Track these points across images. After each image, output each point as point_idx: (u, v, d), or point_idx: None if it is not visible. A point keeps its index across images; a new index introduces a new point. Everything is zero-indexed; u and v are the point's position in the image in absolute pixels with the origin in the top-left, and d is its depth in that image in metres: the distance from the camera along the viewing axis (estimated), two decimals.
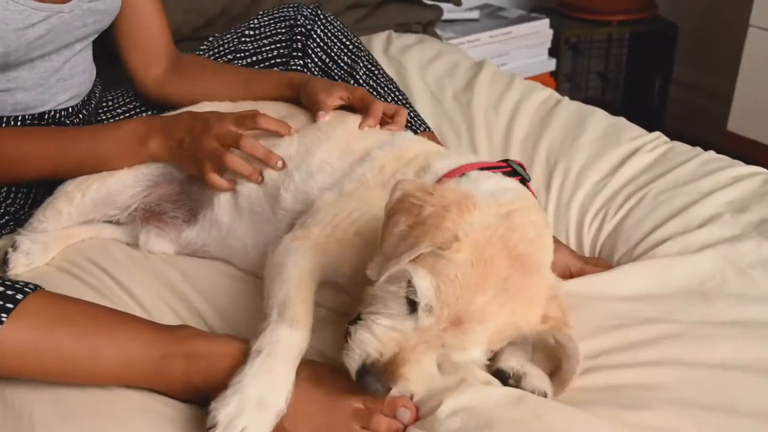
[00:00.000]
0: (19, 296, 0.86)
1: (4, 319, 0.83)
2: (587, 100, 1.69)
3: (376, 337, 0.79)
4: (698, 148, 1.50)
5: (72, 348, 0.87)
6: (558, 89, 2.74)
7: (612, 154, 1.47)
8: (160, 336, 0.91)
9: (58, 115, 1.32)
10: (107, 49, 1.42)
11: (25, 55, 1.18)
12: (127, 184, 1.22)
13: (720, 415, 0.86)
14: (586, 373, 0.93)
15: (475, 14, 2.69)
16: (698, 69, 3.04)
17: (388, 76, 1.48)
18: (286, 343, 0.85)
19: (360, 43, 1.47)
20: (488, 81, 1.74)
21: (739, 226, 1.22)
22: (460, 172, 1.01)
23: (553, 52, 2.75)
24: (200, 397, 0.89)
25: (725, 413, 0.86)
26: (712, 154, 1.47)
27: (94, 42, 1.37)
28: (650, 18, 2.89)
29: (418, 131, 1.40)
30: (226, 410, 0.80)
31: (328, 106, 1.23)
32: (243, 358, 0.86)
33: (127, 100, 1.47)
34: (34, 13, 1.14)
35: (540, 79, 2.58)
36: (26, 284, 0.89)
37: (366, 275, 0.87)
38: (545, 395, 0.90)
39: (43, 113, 1.29)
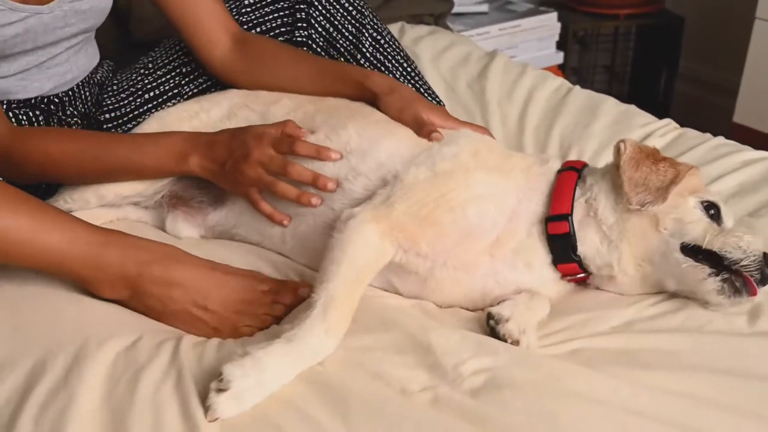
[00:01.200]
0: None
1: None
2: None
3: (753, 238, 0.97)
4: (708, 134, 1.54)
5: (30, 227, 0.95)
6: None
7: None
8: (100, 228, 1.02)
9: (47, 100, 1.32)
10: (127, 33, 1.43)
11: (2, 51, 1.20)
12: (151, 183, 1.23)
13: (733, 378, 0.90)
14: (605, 336, 0.98)
15: (485, 7, 2.73)
16: (705, 62, 3.08)
17: (395, 44, 1.45)
18: (315, 348, 0.90)
19: (363, 6, 1.44)
20: (501, 70, 1.78)
21: (749, 207, 1.26)
22: (581, 163, 1.14)
23: (561, 46, 2.78)
24: (127, 292, 1.00)
25: (738, 377, 0.90)
26: (721, 139, 1.51)
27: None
28: (657, 11, 2.93)
29: None
30: (243, 382, 0.84)
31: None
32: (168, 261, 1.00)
33: (131, 83, 1.45)
34: (12, 13, 1.15)
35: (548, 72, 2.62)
36: None
37: (438, 249, 1.01)
38: (517, 343, 0.95)
39: (29, 99, 1.30)
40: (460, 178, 1.04)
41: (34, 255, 0.96)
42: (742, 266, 0.96)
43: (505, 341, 0.95)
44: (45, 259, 0.97)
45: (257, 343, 0.90)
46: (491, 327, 0.97)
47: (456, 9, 2.63)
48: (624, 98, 3.15)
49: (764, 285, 0.98)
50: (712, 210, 1.03)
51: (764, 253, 0.97)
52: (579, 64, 3.17)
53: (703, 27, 3.01)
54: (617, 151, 1.06)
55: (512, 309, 0.98)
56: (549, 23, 2.71)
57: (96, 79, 1.46)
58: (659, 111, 3.00)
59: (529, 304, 1.01)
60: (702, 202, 1.03)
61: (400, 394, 0.88)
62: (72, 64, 1.37)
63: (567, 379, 0.87)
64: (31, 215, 0.96)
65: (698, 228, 1.01)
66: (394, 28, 2.04)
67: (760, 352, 0.94)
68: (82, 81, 1.41)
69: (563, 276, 1.07)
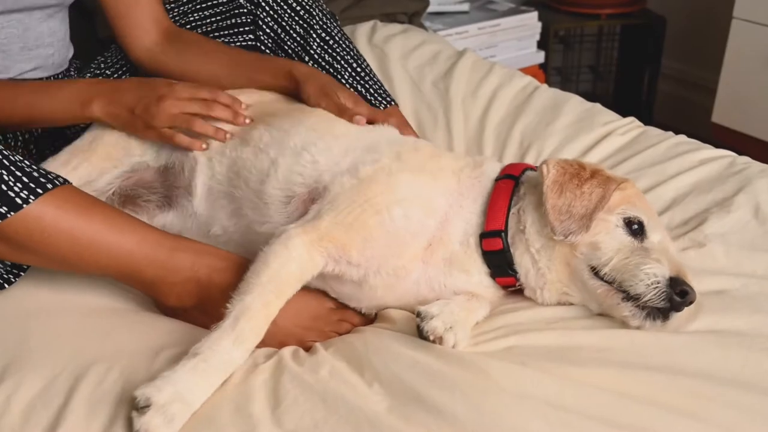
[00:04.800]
0: (58, 182, 0.96)
1: (40, 192, 0.93)
2: (578, 94, 1.72)
3: (656, 266, 0.95)
4: (670, 133, 1.53)
5: (102, 230, 0.97)
6: (548, 83, 2.77)
7: (584, 137, 1.50)
8: (168, 234, 1.04)
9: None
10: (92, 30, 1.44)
11: None
12: (104, 171, 1.23)
13: (663, 375, 0.90)
14: (540, 332, 0.98)
15: (465, 6, 2.72)
16: (687, 62, 3.07)
17: (345, 44, 1.44)
18: (222, 358, 0.89)
19: (312, 5, 1.43)
20: (468, 68, 1.77)
21: (701, 207, 1.26)
22: (519, 169, 1.11)
23: (542, 45, 2.78)
24: (193, 299, 1.02)
25: (668, 374, 0.90)
26: (682, 137, 1.51)
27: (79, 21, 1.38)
28: (639, 11, 2.93)
29: (382, 105, 1.42)
30: (160, 395, 0.84)
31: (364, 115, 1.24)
32: (240, 270, 0.99)
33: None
34: None
35: (529, 71, 2.61)
36: (59, 176, 0.99)
37: (368, 255, 1.00)
38: (440, 341, 0.93)
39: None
40: (383, 181, 1.04)
41: (105, 256, 0.98)
42: (644, 301, 0.95)
43: (429, 339, 0.93)
44: (115, 261, 0.99)
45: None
46: (417, 324, 0.96)
47: (436, 8, 2.63)
48: (609, 97, 3.21)
49: (678, 311, 0.96)
50: (634, 225, 1.00)
51: (670, 278, 0.95)
52: (563, 64, 3.17)
53: (684, 27, 3.01)
54: (541, 174, 1.03)
55: (442, 307, 0.96)
56: (529, 23, 2.70)
57: (70, 76, 1.47)
58: (643, 110, 3.03)
59: (465, 305, 1.00)
60: (624, 219, 1.01)
61: (329, 391, 0.88)
62: (55, 49, 1.36)
63: (495, 375, 0.88)
64: (104, 218, 0.98)
65: (607, 254, 0.98)
66: (366, 26, 2.04)
67: (693, 351, 0.94)
68: (59, 75, 1.41)
69: (502, 288, 1.06)
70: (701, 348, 0.95)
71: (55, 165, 1.23)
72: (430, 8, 2.50)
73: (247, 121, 1.20)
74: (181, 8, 1.45)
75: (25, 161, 0.96)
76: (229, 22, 1.41)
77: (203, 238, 1.20)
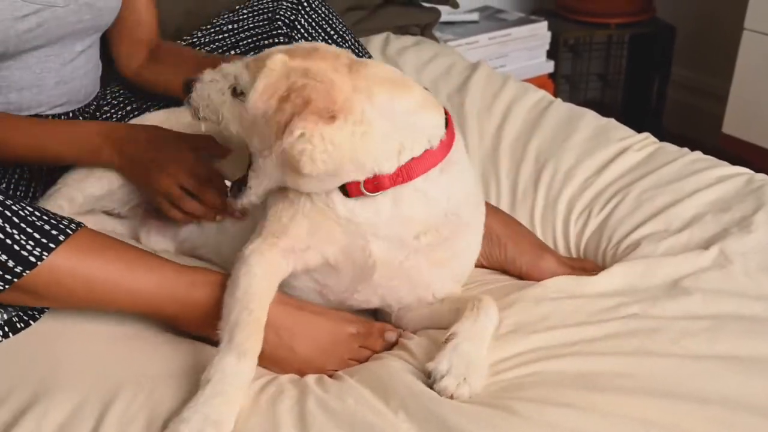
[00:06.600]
0: (70, 230, 0.96)
1: (52, 247, 0.94)
2: (587, 102, 1.72)
3: None
4: (686, 149, 1.53)
5: (118, 273, 0.98)
6: (557, 91, 2.78)
7: (600, 153, 1.50)
8: (186, 268, 1.03)
9: (52, 117, 1.32)
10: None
11: (15, 49, 1.18)
12: (123, 182, 1.24)
13: (687, 403, 0.89)
14: (563, 358, 0.97)
15: (475, 16, 2.73)
16: (696, 71, 3.07)
17: None
18: (232, 373, 0.89)
19: (345, 31, 1.43)
20: (482, 82, 1.78)
21: (720, 226, 1.26)
22: None
23: (551, 54, 2.78)
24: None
25: (693, 401, 0.90)
26: (698, 154, 1.50)
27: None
28: (648, 20, 2.93)
29: None
30: (189, 426, 0.84)
31: None
32: None
33: (114, 95, 1.46)
34: (25, 5, 1.14)
35: (538, 81, 2.62)
36: (72, 220, 0.99)
37: (314, 231, 0.99)
38: (451, 397, 0.91)
39: (37, 115, 1.30)
40: None
41: (123, 298, 0.99)
42: None
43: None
44: (134, 302, 0.99)
45: None
46: (428, 385, 0.93)
47: (445, 18, 2.63)
48: (617, 106, 3.21)
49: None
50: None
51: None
52: (572, 72, 3.17)
53: (693, 35, 3.01)
54: None
55: (450, 358, 0.94)
56: (539, 32, 2.70)
57: (90, 110, 1.45)
58: (652, 118, 3.04)
59: (471, 330, 0.97)
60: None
61: (356, 418, 0.88)
62: (88, 80, 1.36)
63: (517, 408, 0.87)
64: (119, 260, 0.98)
65: None
66: (379, 38, 2.05)
67: (716, 377, 0.94)
68: (80, 109, 1.40)
69: (358, 194, 0.98)
70: (723, 374, 0.94)
71: (76, 177, 1.23)
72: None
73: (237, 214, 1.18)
74: (215, 28, 1.44)
75: (36, 212, 0.96)
76: (265, 42, 1.40)
77: (217, 257, 1.22)
